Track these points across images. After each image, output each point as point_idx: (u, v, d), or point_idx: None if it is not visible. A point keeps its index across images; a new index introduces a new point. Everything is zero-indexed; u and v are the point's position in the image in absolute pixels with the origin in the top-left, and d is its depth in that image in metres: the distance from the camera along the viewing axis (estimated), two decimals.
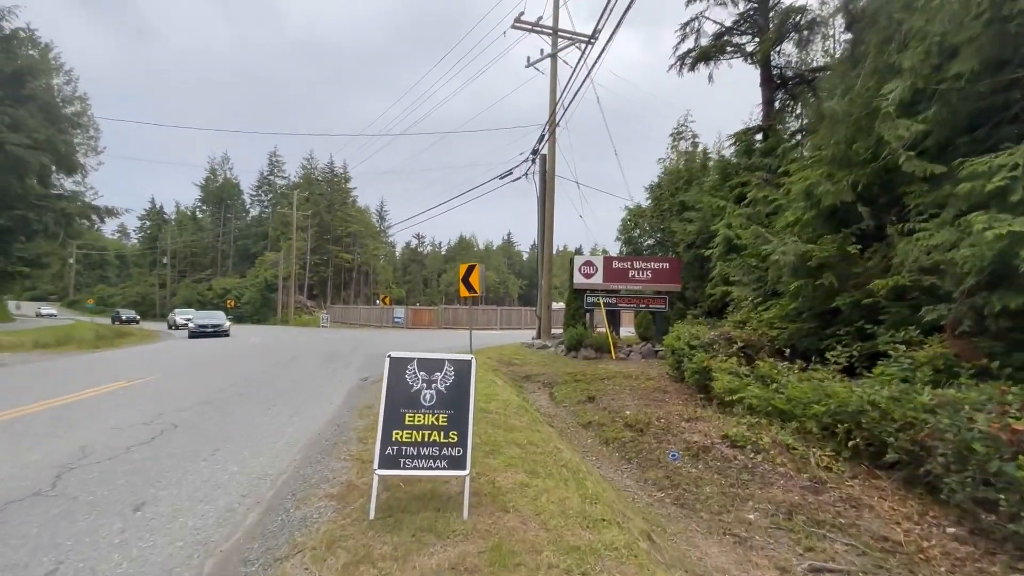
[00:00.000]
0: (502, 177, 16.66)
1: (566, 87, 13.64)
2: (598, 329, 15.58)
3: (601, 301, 14.04)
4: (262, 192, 73.65)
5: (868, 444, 4.74)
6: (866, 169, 6.37)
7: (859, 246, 6.40)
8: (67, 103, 33.69)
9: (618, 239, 19.92)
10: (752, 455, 5.32)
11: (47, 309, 52.35)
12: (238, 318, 52.29)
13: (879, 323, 6.30)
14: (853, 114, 6.75)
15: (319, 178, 74.01)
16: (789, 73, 15.63)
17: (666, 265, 14.53)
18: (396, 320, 34.57)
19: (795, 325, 7.85)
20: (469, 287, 9.44)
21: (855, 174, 6.29)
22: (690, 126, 21.57)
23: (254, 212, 75.50)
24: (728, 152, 15.43)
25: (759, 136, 15.02)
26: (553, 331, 16.37)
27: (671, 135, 21.76)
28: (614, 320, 14.56)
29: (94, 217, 31.18)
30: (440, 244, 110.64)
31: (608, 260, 14.88)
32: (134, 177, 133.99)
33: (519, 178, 16.18)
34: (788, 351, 7.17)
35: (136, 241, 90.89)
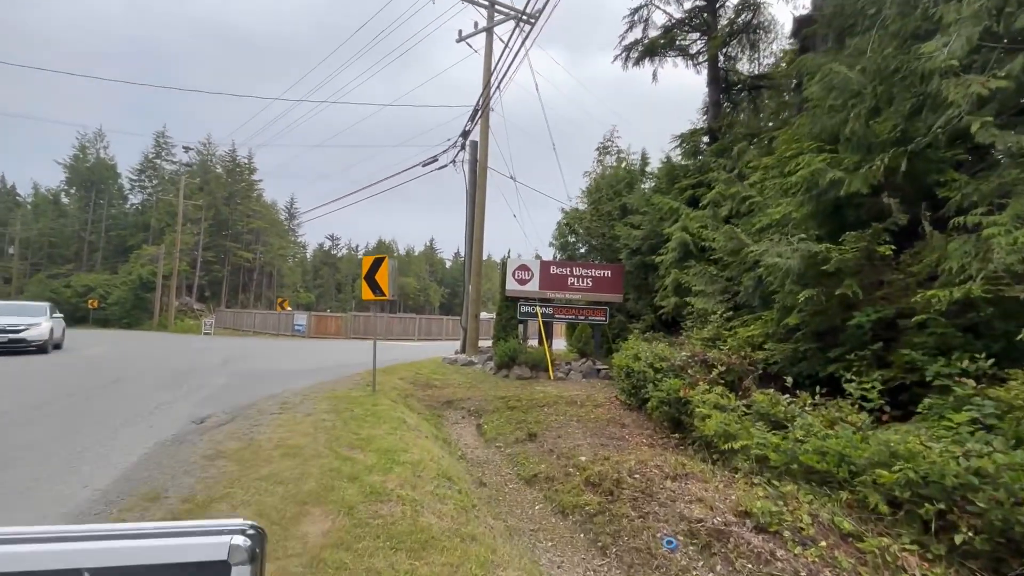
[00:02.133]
0: (425, 164, 14.32)
1: (498, 62, 11.70)
2: (530, 342, 13.68)
3: (539, 311, 12.12)
4: (145, 177, 64.10)
5: (981, 536, 3.07)
6: (899, 149, 4.91)
7: (892, 247, 4.92)
8: None
9: (552, 245, 18.26)
10: (797, 548, 3.49)
11: None
12: (103, 321, 44.21)
13: (913, 347, 4.85)
14: (873, 83, 5.36)
15: (218, 167, 66.14)
16: (733, 78, 15.01)
17: (608, 273, 13.00)
18: (297, 328, 30.35)
19: (787, 346, 6.34)
20: (375, 287, 7.03)
21: (891, 155, 4.80)
22: (616, 141, 20.96)
23: (135, 200, 65.49)
24: (673, 155, 14.33)
25: (706, 139, 14.13)
26: (480, 344, 14.19)
27: (597, 149, 20.99)
28: (548, 333, 12.73)
29: None
30: (357, 247, 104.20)
31: (546, 265, 13.06)
32: None
33: (445, 166, 13.96)
34: (790, 379, 5.57)
35: None
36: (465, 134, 12.75)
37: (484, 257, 15.16)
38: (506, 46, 11.75)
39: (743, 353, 6.63)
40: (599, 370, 11.63)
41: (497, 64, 11.97)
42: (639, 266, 13.23)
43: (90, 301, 44.28)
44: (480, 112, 12.19)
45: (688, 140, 14.04)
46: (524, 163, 18.48)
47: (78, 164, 63.75)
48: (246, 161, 67.80)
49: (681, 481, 4.86)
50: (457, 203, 14.16)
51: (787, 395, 5.43)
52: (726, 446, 5.05)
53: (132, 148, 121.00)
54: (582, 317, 12.91)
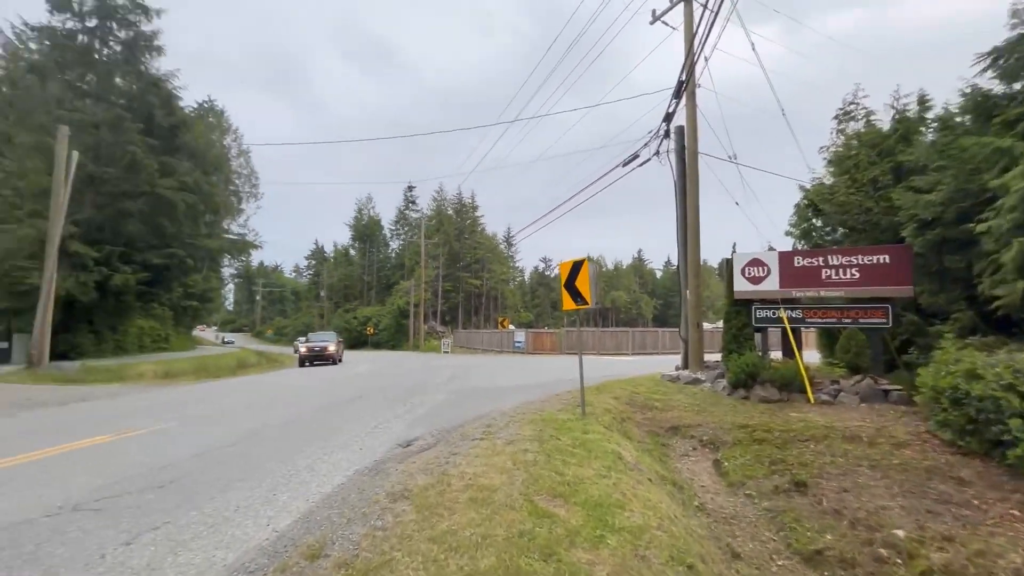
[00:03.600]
0: (626, 163, 13.17)
1: (698, 27, 9.78)
2: (772, 355, 11.01)
3: (785, 315, 9.63)
4: (399, 226, 78.96)
5: None
6: None
7: None
8: (232, 158, 38.59)
9: (789, 234, 14.82)
10: None
11: (229, 337, 68.55)
12: (377, 344, 55.14)
13: None
14: None
15: (449, 209, 77.15)
16: None
17: (885, 258, 9.60)
18: (516, 345, 32.13)
19: None
20: (576, 295, 6.19)
21: None
22: (863, 102, 15.98)
23: (393, 245, 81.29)
24: (980, 82, 9.97)
25: None
26: (706, 358, 12.13)
27: (836, 116, 16.41)
28: (797, 342, 10.00)
29: (231, 253, 35.00)
30: None
31: (787, 257, 10.45)
32: (307, 225, 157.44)
33: (647, 160, 12.54)
34: None
35: (305, 279, 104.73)
36: (668, 117, 11.15)
37: (700, 260, 13.07)
38: (705, 7, 9.92)
39: None
40: (886, 392, 8.51)
41: (698, 29, 10.20)
42: (936, 244, 9.41)
43: (368, 328, 55.92)
44: (684, 85, 10.46)
45: (1008, 54, 9.62)
46: (742, 151, 15.61)
47: (357, 224, 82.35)
48: (469, 201, 77.53)
49: None
50: (663, 206, 12.61)
51: None
52: None
53: (389, 204, 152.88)
54: (848, 320, 9.76)
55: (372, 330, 54.90)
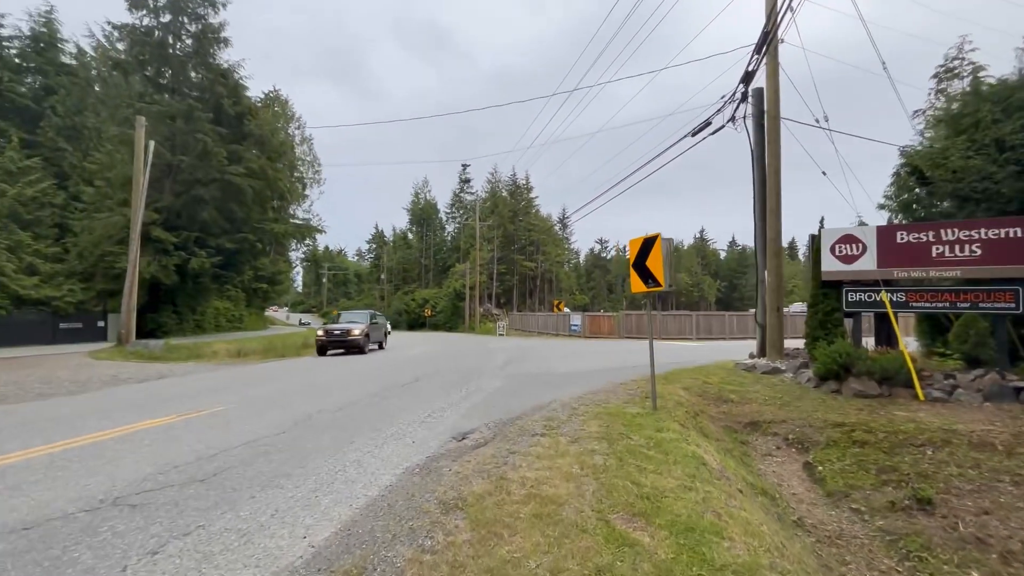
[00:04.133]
0: (696, 132, 11.99)
1: None
2: (865, 343, 9.76)
3: (887, 298, 8.41)
4: (454, 209, 79.54)
5: None
6: None
7: None
8: (296, 144, 39.85)
9: (883, 207, 13.12)
10: None
11: (305, 319, 77.13)
12: (435, 325, 56.24)
13: None
14: None
15: (503, 191, 76.68)
16: None
17: (1017, 231, 8.14)
18: (573, 328, 31.40)
19: None
20: (646, 276, 5.53)
21: None
22: (968, 56, 13.56)
23: (449, 228, 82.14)
24: None
25: None
26: (787, 345, 11.00)
27: (934, 76, 14.15)
28: (891, 329, 8.75)
29: (297, 237, 36.31)
30: (624, 249, 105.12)
31: (887, 232, 9.16)
32: (368, 210, 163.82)
33: (722, 127, 11.32)
34: None
35: (367, 262, 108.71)
36: (747, 77, 9.88)
37: (781, 237, 11.77)
38: None
39: None
40: (1017, 390, 7.22)
41: None
42: None
43: (426, 310, 57.13)
44: (769, 38, 9.18)
45: None
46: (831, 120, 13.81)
47: (414, 208, 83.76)
48: (524, 182, 76.63)
49: None
50: (728, 182, 11.38)
51: None
52: None
53: (445, 189, 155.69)
54: (965, 304, 8.39)
55: (430, 312, 56.06)
